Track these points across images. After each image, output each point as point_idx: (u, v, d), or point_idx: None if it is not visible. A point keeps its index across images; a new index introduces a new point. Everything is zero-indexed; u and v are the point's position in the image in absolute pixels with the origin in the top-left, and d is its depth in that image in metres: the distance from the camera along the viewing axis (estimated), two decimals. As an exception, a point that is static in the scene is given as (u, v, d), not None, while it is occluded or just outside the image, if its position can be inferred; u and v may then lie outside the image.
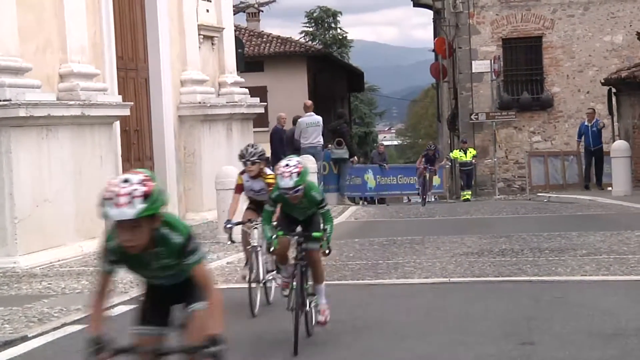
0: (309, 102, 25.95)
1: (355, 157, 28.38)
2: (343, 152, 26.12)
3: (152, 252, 4.88)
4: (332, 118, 56.59)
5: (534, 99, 35.57)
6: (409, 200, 34.81)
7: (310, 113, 25.05)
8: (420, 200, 28.24)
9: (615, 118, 30.42)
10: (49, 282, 12.09)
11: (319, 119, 25.03)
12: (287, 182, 7.95)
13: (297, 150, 24.74)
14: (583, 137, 28.92)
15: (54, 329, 9.20)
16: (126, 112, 16.80)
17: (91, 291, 5.37)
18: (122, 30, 18.13)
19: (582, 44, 35.38)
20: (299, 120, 25.11)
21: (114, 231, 4.73)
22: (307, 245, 8.28)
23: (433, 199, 32.82)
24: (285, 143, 24.83)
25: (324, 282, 8.65)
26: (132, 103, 17.55)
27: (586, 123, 28.95)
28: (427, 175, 28.78)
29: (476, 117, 34.50)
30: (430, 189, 29.51)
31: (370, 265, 12.77)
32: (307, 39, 73.94)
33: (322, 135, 25.34)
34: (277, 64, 49.77)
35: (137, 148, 18.59)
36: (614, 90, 30.10)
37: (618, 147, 24.52)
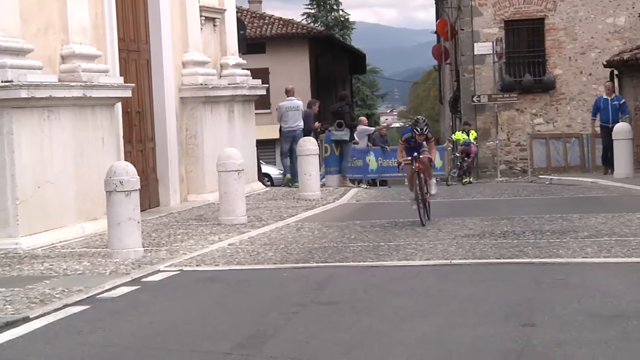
0: (290, 87, 26.22)
1: (357, 138, 28.36)
2: (343, 134, 26.24)
3: None
4: (334, 100, 56.58)
5: (536, 81, 35.55)
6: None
7: (291, 97, 25.38)
8: (415, 207, 15.25)
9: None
10: (51, 263, 12.11)
11: (299, 103, 25.50)
12: None
13: (310, 132, 25.10)
14: (599, 115, 26.26)
15: (56, 310, 9.22)
16: (128, 93, 16.78)
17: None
18: (124, 12, 18.09)
19: (585, 26, 35.32)
20: (279, 104, 25.61)
21: None
22: None
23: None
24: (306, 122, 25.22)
25: None
26: (134, 84, 17.53)
27: (605, 96, 26.42)
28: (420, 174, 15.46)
29: (478, 99, 34.49)
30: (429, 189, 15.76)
31: (372, 247, 12.78)
32: (309, 21, 73.92)
33: (311, 119, 25.63)
34: (278, 46, 49.80)
35: (138, 129, 18.58)
36: (616, 72, 30.06)
37: (620, 129, 24.49)
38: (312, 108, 27.02)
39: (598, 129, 26.98)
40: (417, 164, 15.33)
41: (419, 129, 15.28)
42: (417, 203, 15.20)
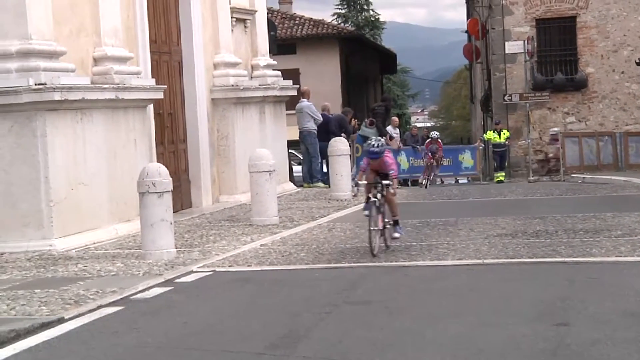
0: (305, 88, 26.15)
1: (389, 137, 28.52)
2: (371, 132, 26.45)
3: None
4: (365, 100, 56.56)
5: (567, 79, 35.38)
6: (442, 181, 34.77)
7: (303, 99, 25.31)
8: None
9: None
10: (85, 265, 12.19)
11: (308, 104, 25.18)
12: None
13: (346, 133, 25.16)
14: None
15: (90, 310, 9.29)
16: (160, 95, 16.85)
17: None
18: (155, 14, 18.17)
19: (617, 24, 35.11)
20: (297, 106, 25.42)
21: None
22: None
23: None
24: (333, 129, 25.18)
25: None
26: (166, 86, 17.60)
27: None
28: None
29: (509, 98, 34.37)
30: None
31: (404, 247, 12.77)
32: (340, 21, 73.86)
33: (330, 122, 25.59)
34: (309, 47, 49.77)
35: (170, 131, 18.66)
36: (648, 70, 29.86)
37: (653, 128, 24.34)
38: (337, 113, 27.19)
39: None
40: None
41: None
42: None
